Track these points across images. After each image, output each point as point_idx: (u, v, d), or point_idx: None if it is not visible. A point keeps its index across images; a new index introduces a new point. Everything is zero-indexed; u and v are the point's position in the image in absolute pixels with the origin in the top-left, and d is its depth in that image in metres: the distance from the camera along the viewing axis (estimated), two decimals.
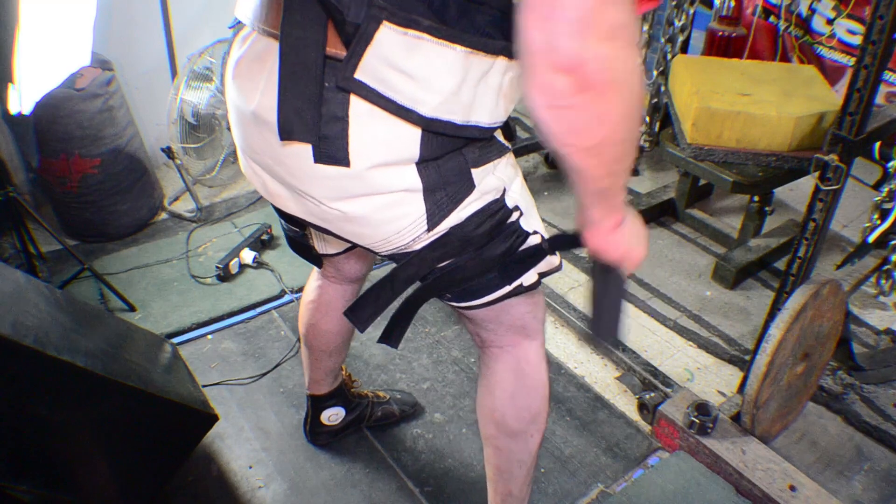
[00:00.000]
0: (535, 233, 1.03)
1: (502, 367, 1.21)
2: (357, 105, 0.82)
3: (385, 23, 0.77)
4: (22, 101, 2.05)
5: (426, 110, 0.82)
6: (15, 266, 1.97)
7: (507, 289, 1.04)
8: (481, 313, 1.12)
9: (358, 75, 0.80)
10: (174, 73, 2.84)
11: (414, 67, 0.80)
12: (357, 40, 0.78)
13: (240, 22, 0.96)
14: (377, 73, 0.80)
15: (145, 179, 2.66)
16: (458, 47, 0.79)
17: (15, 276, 1.46)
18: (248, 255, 2.43)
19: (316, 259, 1.34)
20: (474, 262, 0.98)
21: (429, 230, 0.93)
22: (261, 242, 2.52)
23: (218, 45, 2.63)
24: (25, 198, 2.46)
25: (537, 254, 1.03)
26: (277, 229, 2.52)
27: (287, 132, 0.83)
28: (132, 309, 2.24)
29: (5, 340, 1.20)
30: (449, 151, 0.89)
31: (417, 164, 0.87)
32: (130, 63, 2.77)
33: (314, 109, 0.82)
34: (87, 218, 2.54)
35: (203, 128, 2.69)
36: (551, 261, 1.07)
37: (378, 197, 0.89)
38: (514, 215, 1.00)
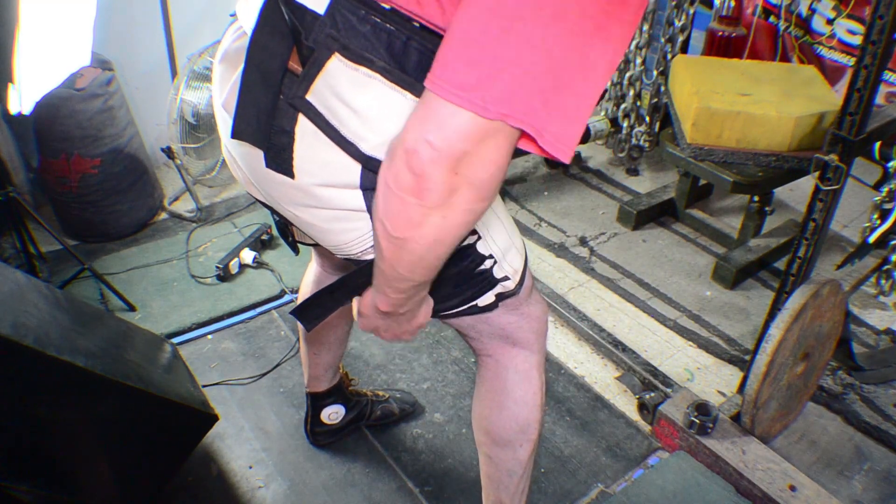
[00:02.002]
0: (506, 279, 1.03)
1: (491, 375, 1.20)
2: (304, 124, 0.83)
3: (337, 54, 0.77)
4: (22, 101, 2.05)
5: (366, 147, 0.82)
6: (15, 266, 1.97)
7: (461, 307, 1.04)
8: (454, 321, 1.11)
9: (309, 97, 0.80)
10: (174, 73, 2.85)
11: (360, 104, 0.79)
12: (310, 65, 0.79)
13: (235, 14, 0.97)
14: (326, 100, 0.80)
15: (145, 179, 2.66)
16: (409, 95, 0.78)
17: (15, 276, 1.46)
18: (248, 255, 2.43)
19: (292, 245, 1.34)
20: None
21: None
22: (261, 242, 2.52)
23: (218, 45, 2.63)
24: (25, 198, 2.46)
25: (491, 281, 1.02)
26: None
27: (239, 132, 0.84)
28: (132, 309, 2.24)
29: (5, 340, 1.20)
30: None
31: (362, 189, 0.87)
32: (130, 63, 2.77)
33: (267, 118, 0.83)
34: (87, 218, 2.54)
35: (203, 128, 2.69)
36: (506, 285, 1.06)
37: (325, 210, 0.89)
38: (487, 263, 0.99)
